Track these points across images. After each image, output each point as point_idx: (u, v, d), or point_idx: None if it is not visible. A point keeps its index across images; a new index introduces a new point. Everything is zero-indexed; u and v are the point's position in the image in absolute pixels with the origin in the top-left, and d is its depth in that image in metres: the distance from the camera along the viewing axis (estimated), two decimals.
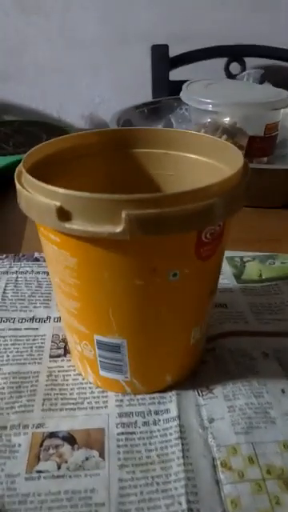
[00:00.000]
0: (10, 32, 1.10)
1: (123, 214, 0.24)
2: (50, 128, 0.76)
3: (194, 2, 1.11)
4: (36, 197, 0.26)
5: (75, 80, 1.16)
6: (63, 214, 0.25)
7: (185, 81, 0.69)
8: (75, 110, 1.18)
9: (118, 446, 0.29)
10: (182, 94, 0.62)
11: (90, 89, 1.17)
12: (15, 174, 0.29)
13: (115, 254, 0.26)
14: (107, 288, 0.27)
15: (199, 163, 0.33)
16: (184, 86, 0.63)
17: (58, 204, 0.25)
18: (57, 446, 0.29)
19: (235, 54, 1.10)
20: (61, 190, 0.25)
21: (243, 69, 1.09)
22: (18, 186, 0.27)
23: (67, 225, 0.25)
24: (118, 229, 0.24)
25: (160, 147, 0.34)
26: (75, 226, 0.25)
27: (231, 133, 0.60)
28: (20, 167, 0.29)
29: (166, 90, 1.04)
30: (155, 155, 0.35)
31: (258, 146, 0.59)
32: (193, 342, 0.32)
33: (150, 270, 0.27)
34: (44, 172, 0.31)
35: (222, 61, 1.10)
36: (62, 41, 1.12)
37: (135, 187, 0.35)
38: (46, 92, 1.16)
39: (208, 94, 0.60)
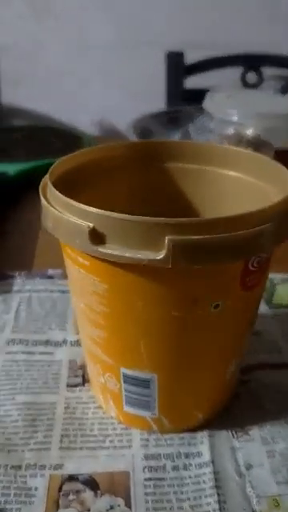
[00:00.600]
0: (23, 37, 1.08)
1: (166, 240, 0.21)
2: (61, 134, 0.73)
3: (209, 10, 1.09)
4: (65, 216, 0.23)
5: (87, 85, 1.14)
6: (97, 237, 0.22)
7: (199, 89, 0.66)
8: (86, 115, 1.15)
9: (146, 494, 0.26)
10: (205, 104, 0.60)
11: (101, 94, 1.15)
12: (40, 187, 0.26)
13: (152, 282, 0.23)
14: (140, 318, 0.24)
15: (240, 182, 0.30)
16: (207, 96, 0.60)
17: (91, 225, 0.22)
18: (78, 492, 0.26)
19: (251, 63, 1.07)
20: (94, 210, 0.22)
21: (260, 78, 1.06)
22: (43, 202, 0.25)
23: (101, 249, 0.22)
24: (160, 256, 0.21)
25: (196, 162, 0.32)
26: (110, 250, 0.22)
27: (256, 145, 0.57)
28: (45, 179, 0.26)
29: (180, 99, 1.02)
30: (188, 171, 0.32)
31: (285, 159, 0.56)
32: (229, 377, 0.29)
33: (191, 301, 0.24)
34: (69, 185, 0.28)
35: (238, 70, 1.07)
36: (74, 46, 1.10)
37: (167, 206, 0.32)
38: (57, 97, 1.14)
39: (232, 105, 0.57)
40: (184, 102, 0.92)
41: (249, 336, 0.29)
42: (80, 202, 0.23)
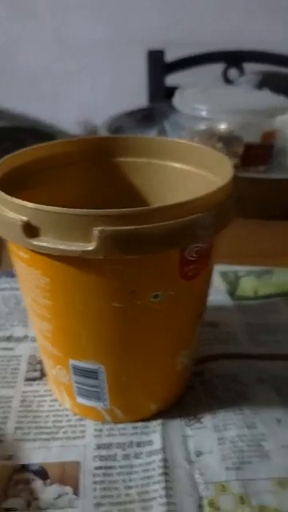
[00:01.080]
0: (3, 36, 1.08)
1: (96, 231, 0.21)
2: (39, 134, 0.74)
3: (191, 8, 1.10)
4: (3, 211, 0.24)
5: (70, 85, 1.14)
6: (30, 230, 0.23)
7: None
8: (70, 115, 1.15)
9: (95, 483, 0.26)
10: (174, 100, 0.60)
11: (84, 94, 1.15)
12: None
13: (89, 274, 0.23)
14: (80, 310, 0.25)
15: (186, 173, 0.31)
16: (177, 92, 0.61)
17: (25, 219, 0.23)
18: (27, 481, 0.27)
19: (233, 59, 1.08)
20: (28, 204, 0.23)
21: (241, 74, 1.07)
22: None
23: (35, 241, 0.23)
24: (91, 247, 0.22)
25: (143, 156, 0.32)
26: (44, 243, 0.23)
27: (227, 140, 0.58)
28: None
29: (163, 96, 1.03)
30: (138, 164, 0.32)
31: (254, 154, 0.57)
32: (180, 368, 0.29)
33: (129, 292, 0.24)
34: (18, 183, 0.28)
35: (220, 66, 1.08)
36: (56, 45, 1.11)
37: (117, 199, 0.33)
38: (40, 97, 1.14)
39: (203, 100, 0.58)
40: (166, 99, 0.93)
41: (198, 327, 0.29)
42: (30, 197, 0.24)
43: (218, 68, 1.08)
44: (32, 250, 0.24)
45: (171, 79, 1.05)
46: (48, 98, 1.14)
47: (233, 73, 1.07)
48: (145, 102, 1.06)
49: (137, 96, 1.07)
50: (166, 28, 1.10)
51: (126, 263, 0.23)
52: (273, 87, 0.82)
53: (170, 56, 1.05)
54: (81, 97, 1.15)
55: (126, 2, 1.08)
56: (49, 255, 0.23)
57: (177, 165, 0.31)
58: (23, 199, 0.23)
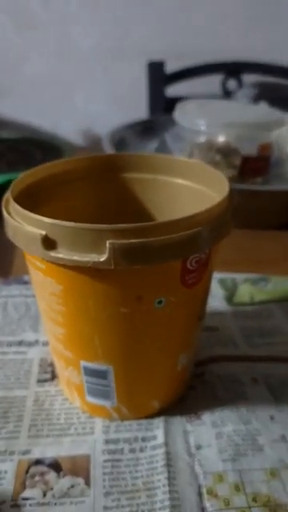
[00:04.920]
0: (6, 47, 1.11)
1: (107, 244, 0.24)
2: (44, 146, 0.76)
3: (190, 18, 1.13)
4: (22, 226, 0.26)
5: (71, 95, 1.17)
6: (48, 243, 0.25)
7: (181, 98, 0.69)
8: (71, 125, 1.18)
9: (104, 474, 0.29)
10: (175, 115, 0.63)
11: (86, 104, 1.18)
12: (3, 201, 0.29)
13: (100, 282, 0.26)
14: (92, 315, 0.27)
15: (188, 188, 0.33)
16: (178, 107, 0.64)
17: (44, 233, 0.25)
18: (42, 474, 0.29)
19: (232, 70, 1.11)
20: (46, 220, 0.25)
21: (240, 85, 1.10)
22: (5, 214, 0.28)
23: (52, 253, 0.25)
24: (102, 258, 0.24)
25: (149, 172, 0.35)
26: (60, 254, 0.25)
27: (225, 152, 0.60)
28: (8, 195, 0.29)
29: (163, 106, 1.05)
30: (144, 180, 0.35)
31: (251, 166, 0.60)
32: (180, 368, 0.32)
33: (135, 298, 0.27)
34: (34, 198, 0.31)
35: (219, 77, 1.11)
36: (58, 56, 1.13)
37: (125, 212, 0.36)
38: (42, 107, 1.17)
39: (201, 114, 0.60)
40: (166, 109, 0.96)
41: (198, 330, 0.32)
42: (44, 213, 0.26)
43: (217, 79, 1.11)
44: (48, 261, 0.26)
45: (171, 90, 1.08)
46: (51, 107, 1.16)
47: (232, 84, 1.10)
48: (145, 112, 1.08)
49: (137, 106, 1.10)
50: (166, 39, 1.13)
51: (133, 272, 0.26)
52: (271, 98, 0.85)
53: (170, 67, 1.08)
54: (82, 107, 1.18)
55: (126, 15, 1.11)
56: (64, 265, 0.26)
57: (180, 181, 0.33)
58: (39, 214, 0.26)
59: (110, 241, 0.24)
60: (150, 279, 0.26)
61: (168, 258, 0.25)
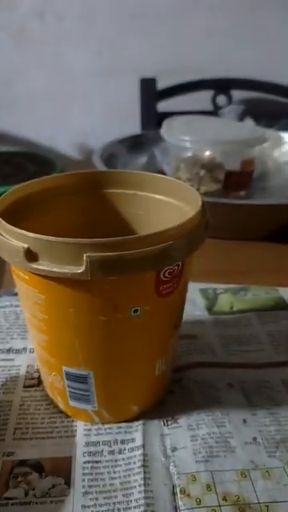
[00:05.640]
0: (3, 63, 1.14)
1: (84, 257, 0.26)
2: (38, 159, 0.79)
3: (182, 36, 1.16)
4: (7, 239, 0.28)
5: (66, 110, 1.19)
6: (31, 256, 0.27)
7: (173, 113, 0.72)
8: (66, 139, 1.21)
9: (84, 474, 0.30)
10: (162, 131, 0.65)
11: (80, 119, 1.21)
12: None
13: (78, 292, 0.28)
14: (73, 323, 0.29)
15: (164, 203, 0.35)
16: (164, 123, 0.66)
17: (26, 246, 0.27)
18: (25, 474, 0.31)
19: (221, 86, 1.14)
20: (29, 234, 0.27)
21: (229, 101, 1.13)
22: None
23: (34, 265, 0.27)
24: (80, 270, 0.26)
25: (131, 188, 0.37)
26: (41, 266, 0.27)
27: (210, 167, 0.63)
28: None
29: (155, 121, 1.08)
30: (126, 195, 0.37)
31: (235, 180, 0.62)
32: (158, 374, 0.33)
33: (112, 307, 0.28)
34: (20, 213, 0.33)
35: (209, 93, 1.14)
36: (54, 72, 1.16)
37: (108, 224, 0.37)
38: (38, 122, 1.19)
39: (187, 131, 0.63)
40: (158, 124, 0.98)
41: (174, 338, 0.34)
42: (30, 226, 0.28)
43: (207, 94, 1.14)
44: (31, 272, 0.28)
45: (163, 105, 1.11)
46: (46, 122, 1.19)
47: (221, 99, 1.13)
48: (138, 127, 1.11)
49: (130, 121, 1.13)
50: (158, 56, 1.16)
51: (109, 283, 0.28)
52: (257, 113, 0.88)
53: (162, 83, 1.11)
54: (77, 121, 1.20)
55: (120, 32, 1.14)
56: (45, 276, 0.27)
57: (158, 196, 0.36)
58: (24, 227, 0.28)
59: (87, 254, 0.26)
60: (125, 289, 0.28)
61: (142, 269, 0.27)
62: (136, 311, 0.29)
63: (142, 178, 0.36)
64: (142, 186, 0.36)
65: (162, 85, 1.11)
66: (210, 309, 0.45)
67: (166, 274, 0.29)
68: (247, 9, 1.13)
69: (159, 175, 0.36)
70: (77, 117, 1.20)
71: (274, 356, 0.40)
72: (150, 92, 1.10)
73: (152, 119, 1.10)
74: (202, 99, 1.13)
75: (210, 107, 1.13)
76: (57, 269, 0.27)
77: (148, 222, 0.36)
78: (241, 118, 0.83)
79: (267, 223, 0.57)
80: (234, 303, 0.46)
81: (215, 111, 1.08)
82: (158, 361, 0.33)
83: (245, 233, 0.57)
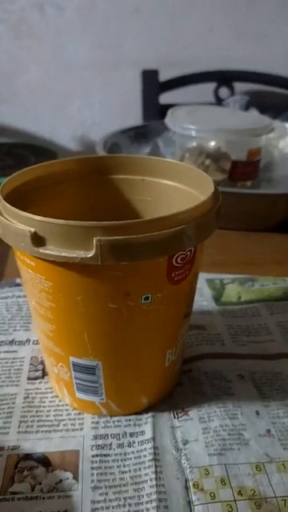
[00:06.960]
0: (3, 56, 1.12)
1: (94, 240, 0.25)
2: (39, 151, 0.77)
3: (183, 29, 1.14)
4: (12, 223, 0.27)
5: (67, 103, 1.18)
6: (37, 240, 0.26)
7: (175, 105, 0.71)
8: (67, 132, 1.19)
9: (92, 468, 0.29)
10: (167, 120, 0.64)
11: (81, 111, 1.20)
12: None
13: (88, 278, 0.27)
14: (81, 311, 0.28)
15: (174, 189, 0.34)
16: (169, 112, 0.65)
17: (33, 230, 0.26)
18: (31, 468, 0.30)
19: (224, 78, 1.12)
20: (35, 217, 0.26)
21: (231, 93, 1.11)
22: None
23: (41, 250, 0.26)
24: (90, 254, 0.25)
25: (138, 174, 0.35)
26: (49, 251, 0.26)
27: (215, 157, 0.61)
28: None
29: (156, 114, 1.07)
30: (133, 181, 0.36)
31: (241, 170, 0.61)
32: (168, 365, 0.32)
33: (123, 294, 0.27)
34: (24, 198, 0.32)
35: (212, 85, 1.12)
36: (54, 65, 1.15)
37: (114, 212, 0.36)
38: (39, 114, 1.18)
39: (192, 120, 0.62)
40: (160, 116, 0.97)
41: (184, 327, 0.32)
42: (33, 212, 0.27)
43: (209, 87, 1.12)
44: (37, 257, 0.27)
45: (164, 97, 1.10)
46: (47, 115, 1.18)
47: (223, 92, 1.12)
48: (139, 119, 1.10)
49: (131, 114, 1.12)
50: (159, 49, 1.15)
51: (120, 268, 0.26)
52: (261, 105, 0.87)
53: (164, 75, 1.09)
54: (78, 114, 1.19)
55: (121, 25, 1.13)
56: (53, 262, 0.26)
57: (167, 182, 0.34)
58: (28, 213, 0.26)
59: (97, 237, 0.25)
60: (136, 275, 0.27)
61: (153, 254, 0.26)
62: (147, 298, 0.28)
63: (149, 163, 0.35)
64: (150, 172, 0.35)
65: (161, 78, 1.10)
66: (217, 299, 0.44)
67: (179, 260, 0.28)
68: (248, 0, 1.12)
69: (168, 160, 0.35)
70: (77, 110, 1.18)
71: (285, 347, 0.39)
72: (152, 83, 1.09)
73: (154, 111, 1.08)
74: (204, 92, 1.12)
75: (212, 100, 1.12)
76: (65, 253, 0.25)
77: (157, 208, 0.35)
78: (245, 109, 0.82)
79: (274, 213, 0.56)
80: (241, 293, 0.45)
81: (218, 104, 1.06)
82: (168, 351, 0.32)
83: (251, 223, 0.56)
